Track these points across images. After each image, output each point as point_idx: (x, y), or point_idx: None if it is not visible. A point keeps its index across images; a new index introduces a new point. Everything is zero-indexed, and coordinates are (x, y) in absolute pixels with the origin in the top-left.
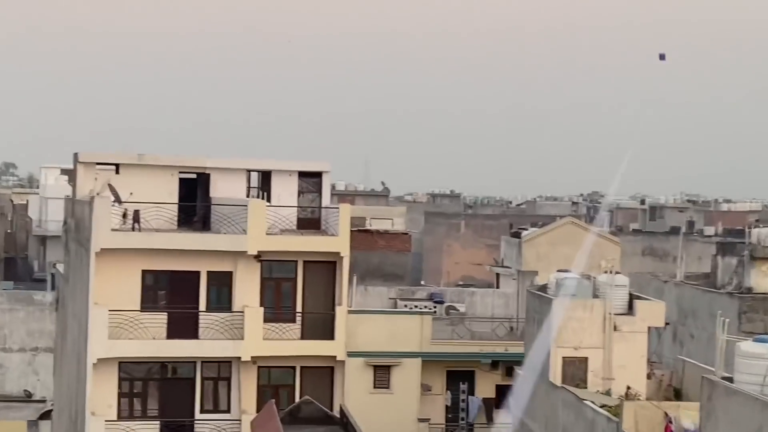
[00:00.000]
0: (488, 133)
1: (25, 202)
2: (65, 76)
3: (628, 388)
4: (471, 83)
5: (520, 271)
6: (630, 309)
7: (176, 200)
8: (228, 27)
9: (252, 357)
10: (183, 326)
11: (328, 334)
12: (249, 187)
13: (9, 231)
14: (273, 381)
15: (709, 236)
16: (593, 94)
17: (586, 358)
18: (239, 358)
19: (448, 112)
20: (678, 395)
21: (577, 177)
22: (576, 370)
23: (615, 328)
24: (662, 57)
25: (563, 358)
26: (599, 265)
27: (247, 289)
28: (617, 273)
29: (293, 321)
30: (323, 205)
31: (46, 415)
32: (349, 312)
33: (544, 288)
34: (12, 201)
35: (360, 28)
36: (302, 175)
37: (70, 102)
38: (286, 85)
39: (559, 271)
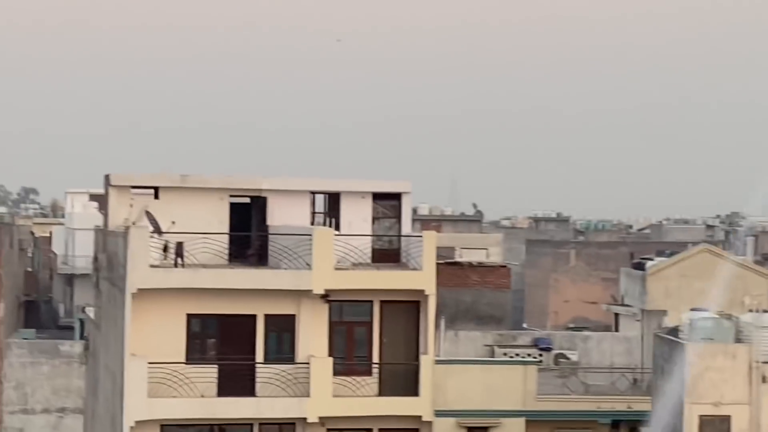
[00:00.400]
0: (603, 142)
1: (48, 235)
2: (92, 86)
3: None
4: (580, 79)
5: (645, 310)
6: None
7: (227, 230)
8: (285, 30)
9: (320, 418)
10: (237, 381)
11: (411, 389)
12: (313, 213)
13: (30, 269)
14: None
15: None
16: (733, 95)
17: (728, 417)
18: (304, 419)
19: (553, 116)
20: None
21: (712, 195)
22: (716, 431)
23: (764, 380)
24: None
25: (700, 416)
26: (743, 303)
27: (312, 336)
28: (765, 311)
29: (369, 374)
30: (403, 232)
31: None
32: (437, 362)
33: (674, 331)
34: (33, 233)
35: (442, 20)
36: (377, 197)
37: (99, 116)
38: (354, 92)
39: (692, 309)
